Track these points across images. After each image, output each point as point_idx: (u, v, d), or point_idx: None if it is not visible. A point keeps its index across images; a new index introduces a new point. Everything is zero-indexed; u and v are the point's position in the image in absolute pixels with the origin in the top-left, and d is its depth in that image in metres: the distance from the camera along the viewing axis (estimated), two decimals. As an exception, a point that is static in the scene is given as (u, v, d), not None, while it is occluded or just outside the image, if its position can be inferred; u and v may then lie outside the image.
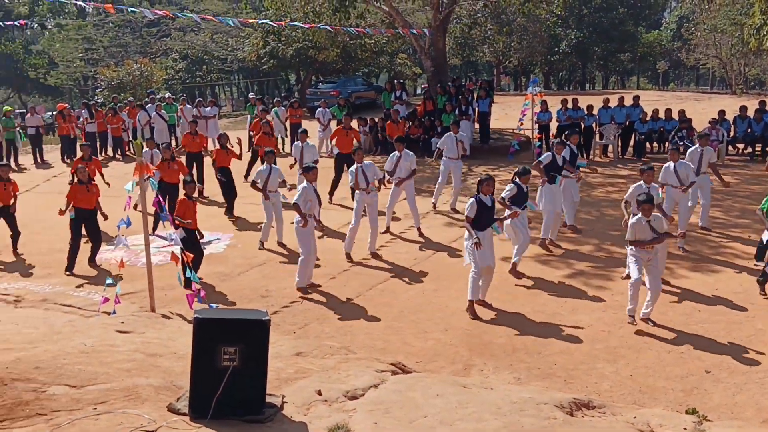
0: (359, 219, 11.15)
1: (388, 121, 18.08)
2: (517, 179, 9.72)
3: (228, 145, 14.03)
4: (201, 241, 12.11)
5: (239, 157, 13.78)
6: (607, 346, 7.77)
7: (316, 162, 13.14)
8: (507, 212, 9.47)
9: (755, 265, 9.88)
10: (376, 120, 20.12)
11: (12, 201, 11.50)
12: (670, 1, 58.51)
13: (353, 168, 11.34)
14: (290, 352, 6.31)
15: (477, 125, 20.50)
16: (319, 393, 5.19)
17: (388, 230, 12.41)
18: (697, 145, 11.61)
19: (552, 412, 4.91)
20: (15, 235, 11.68)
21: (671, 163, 10.72)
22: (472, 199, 8.84)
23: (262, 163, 12.38)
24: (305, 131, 14.30)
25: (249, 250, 11.80)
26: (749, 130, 18.03)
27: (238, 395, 4.82)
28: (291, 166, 13.39)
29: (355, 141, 15.28)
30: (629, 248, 8.35)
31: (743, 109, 18.51)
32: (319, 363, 6.11)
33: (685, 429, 4.88)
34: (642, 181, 9.52)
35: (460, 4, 24.16)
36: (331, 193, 14.59)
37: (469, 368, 7.42)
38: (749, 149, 18.50)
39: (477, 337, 8.22)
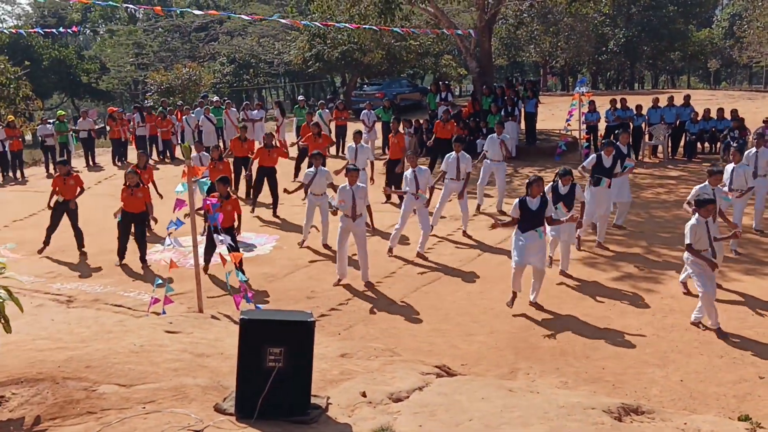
0: (405, 222, 11.20)
1: (437, 121, 18.03)
2: (558, 180, 9.67)
3: (274, 143, 14.17)
4: (248, 242, 12.35)
5: (286, 155, 13.87)
6: (657, 351, 7.61)
7: (373, 163, 13.20)
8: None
9: None
10: (421, 122, 20.08)
11: (77, 192, 11.87)
12: (722, -2, 57.20)
13: (408, 172, 11.35)
14: (335, 354, 6.33)
15: (523, 126, 20.33)
16: (364, 395, 5.20)
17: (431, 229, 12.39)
18: (753, 148, 11.33)
19: (600, 417, 4.82)
20: (77, 234, 11.97)
21: (732, 165, 10.45)
22: (517, 201, 8.80)
23: (309, 166, 12.47)
24: (360, 132, 14.33)
25: (295, 251, 11.90)
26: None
27: (284, 396, 4.85)
28: (336, 172, 13.25)
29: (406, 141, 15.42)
30: (686, 256, 8.10)
31: (799, 107, 17.97)
32: (364, 365, 6.11)
33: (739, 436, 4.76)
34: (707, 182, 9.30)
35: (506, 5, 24.01)
36: (387, 196, 14.67)
37: (515, 372, 7.35)
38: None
39: (523, 340, 8.14)
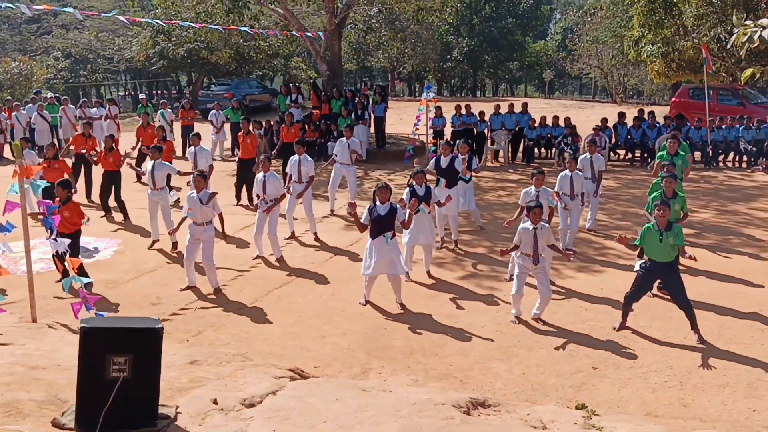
0: (262, 227, 11.04)
1: (282, 125, 17.91)
2: (412, 181, 9.93)
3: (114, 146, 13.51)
4: (88, 247, 11.66)
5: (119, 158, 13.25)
6: (501, 346, 7.96)
7: (211, 167, 12.84)
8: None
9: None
10: (272, 123, 19.88)
11: None
12: (555, 13, 60.98)
13: (259, 176, 11.12)
14: (184, 361, 6.11)
15: (373, 130, 20.64)
16: (215, 402, 5.05)
17: (293, 236, 12.28)
18: (586, 153, 12.09)
19: (449, 412, 4.96)
20: None
21: (567, 172, 11.00)
22: (366, 208, 8.92)
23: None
24: (197, 135, 13.91)
25: (138, 256, 11.37)
26: (629, 136, 18.99)
27: (129, 407, 4.61)
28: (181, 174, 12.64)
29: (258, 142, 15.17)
30: (515, 253, 8.58)
31: (622, 116, 19.50)
32: (215, 371, 5.94)
33: (576, 423, 5.05)
34: (533, 186, 9.79)
35: (355, 9, 24.26)
36: (237, 197, 14.42)
37: (368, 371, 7.42)
38: (629, 155, 19.49)
39: (375, 340, 8.23)
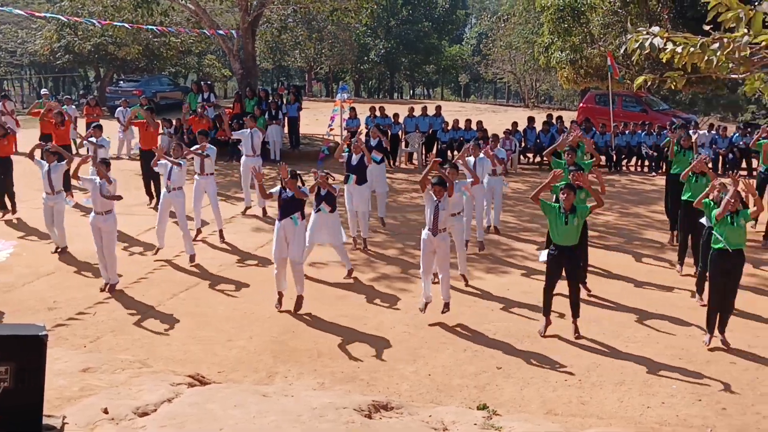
0: (165, 217, 10.81)
1: (192, 116, 17.54)
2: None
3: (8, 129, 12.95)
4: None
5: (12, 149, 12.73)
6: (408, 347, 7.97)
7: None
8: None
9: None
10: (182, 120, 19.38)
11: None
12: (471, 18, 62.06)
13: (166, 162, 10.84)
14: (76, 368, 5.84)
15: (287, 130, 20.43)
16: (106, 411, 4.83)
17: (199, 232, 12.01)
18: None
19: (351, 416, 4.92)
20: None
21: (472, 158, 11.12)
22: (278, 187, 9.01)
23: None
24: (99, 126, 13.41)
25: (36, 258, 10.86)
26: (538, 140, 19.46)
27: (10, 419, 4.35)
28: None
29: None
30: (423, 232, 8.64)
31: (531, 120, 19.98)
32: (109, 378, 5.70)
33: (476, 424, 5.09)
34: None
35: (270, 8, 23.97)
36: (149, 194, 13.98)
37: (273, 376, 7.30)
38: (538, 158, 19.97)
39: (282, 343, 8.11)
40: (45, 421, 4.56)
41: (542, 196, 8.34)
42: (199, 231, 12.01)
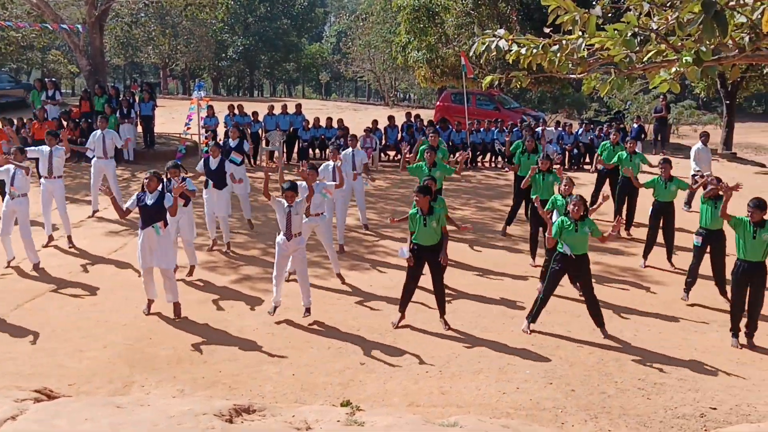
0: (9, 227, 10.10)
1: (34, 122, 16.49)
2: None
3: None
4: None
5: None
6: (272, 348, 7.89)
7: None
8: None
9: None
10: (24, 120, 18.18)
11: None
12: (330, 16, 62.27)
13: (9, 167, 10.10)
14: None
15: (140, 129, 19.66)
16: (-60, 435, 4.45)
17: (51, 239, 11.31)
18: (349, 148, 12.44)
19: (210, 422, 4.80)
20: None
21: (331, 162, 11.12)
22: (135, 195, 8.59)
23: None
24: None
25: None
26: (398, 138, 19.85)
27: None
28: None
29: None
30: (278, 237, 8.62)
31: (392, 119, 20.35)
32: (-57, 400, 5.26)
33: (339, 421, 5.11)
34: (303, 182, 9.81)
35: (119, 1, 22.96)
36: None
37: (129, 386, 6.99)
38: (398, 156, 20.35)
39: (139, 351, 7.79)
40: None
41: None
42: (51, 238, 11.35)
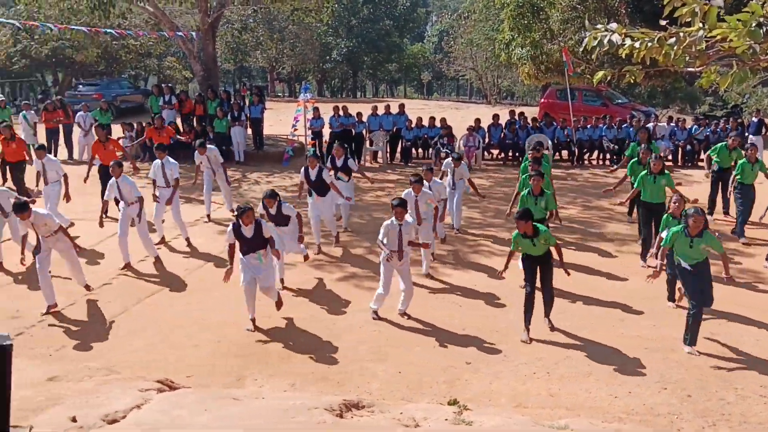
0: (126, 229, 10.61)
1: (151, 127, 17.32)
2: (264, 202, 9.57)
3: None
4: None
5: None
6: (378, 346, 7.99)
7: (65, 177, 12.13)
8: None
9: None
10: (143, 125, 19.18)
11: None
12: (432, 16, 62.29)
13: (111, 182, 10.66)
14: (41, 378, 5.75)
15: (251, 131, 20.31)
16: (74, 420, 4.77)
17: (163, 241, 11.88)
18: (450, 160, 12.34)
19: (322, 416, 4.92)
20: None
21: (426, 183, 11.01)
22: (230, 226, 8.50)
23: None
24: (42, 147, 12.83)
25: (-5, 267, 10.65)
26: (502, 137, 19.64)
27: (-25, 431, 4.26)
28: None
29: (118, 152, 14.29)
30: (382, 253, 8.61)
31: (496, 117, 20.14)
32: (76, 387, 5.62)
33: (447, 419, 5.13)
34: (411, 190, 9.89)
35: (230, 9, 23.81)
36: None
37: (243, 379, 7.26)
38: (502, 154, 20.15)
39: (251, 346, 8.07)
40: (11, 431, 4.47)
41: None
42: (163, 239, 11.91)
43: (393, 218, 8.44)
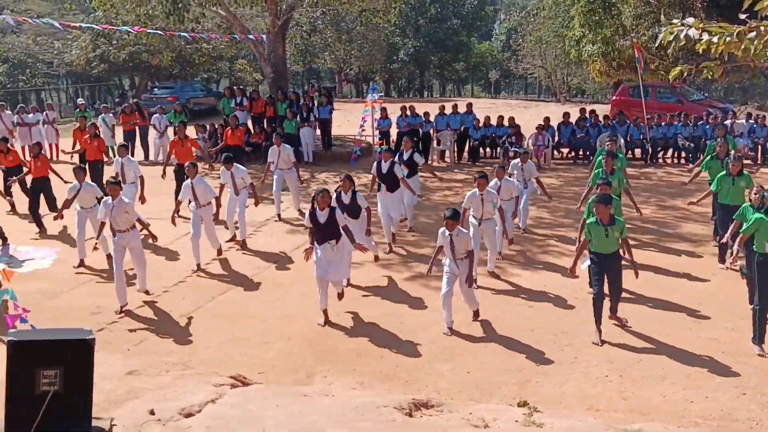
0: (198, 230, 10.87)
1: (227, 128, 17.71)
2: (339, 189, 9.87)
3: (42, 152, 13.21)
4: (25, 257, 11.34)
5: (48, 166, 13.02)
6: (446, 346, 7.98)
7: (141, 178, 12.49)
8: None
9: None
10: (216, 126, 19.64)
11: None
12: (500, 14, 61.69)
13: (186, 183, 10.96)
14: (122, 372, 5.97)
15: (319, 132, 20.54)
16: (152, 413, 4.94)
17: (234, 239, 12.15)
18: (518, 160, 12.18)
19: (391, 415, 4.95)
20: None
21: (496, 180, 10.84)
22: (308, 213, 8.74)
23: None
24: (124, 146, 13.36)
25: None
26: (572, 135, 19.30)
27: (61, 421, 4.47)
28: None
29: (194, 150, 14.72)
30: (445, 259, 8.53)
31: (566, 115, 19.79)
32: (154, 381, 5.82)
33: (517, 421, 5.09)
34: (476, 188, 9.83)
35: (299, 11, 24.13)
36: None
37: (312, 376, 7.37)
38: (572, 153, 19.80)
39: (320, 344, 8.18)
40: (94, 423, 4.67)
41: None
42: (233, 237, 12.16)
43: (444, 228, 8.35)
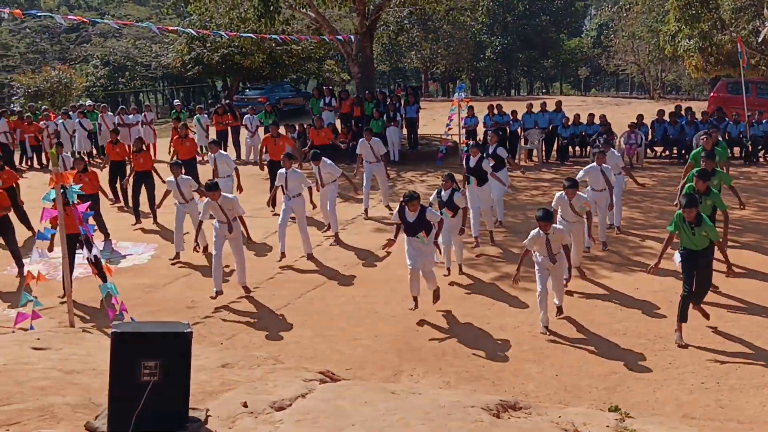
0: (286, 218, 11.18)
1: (311, 128, 18.02)
2: (441, 185, 10.02)
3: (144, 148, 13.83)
4: (125, 252, 11.89)
5: (150, 160, 13.67)
6: (533, 347, 7.88)
7: (236, 170, 12.90)
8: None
9: None
10: (305, 126, 20.00)
11: None
12: (590, 9, 60.31)
13: (281, 171, 11.29)
14: (216, 364, 6.16)
15: (405, 131, 20.62)
16: (245, 405, 5.07)
17: (329, 229, 12.50)
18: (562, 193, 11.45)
19: (479, 415, 4.93)
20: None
21: (595, 165, 10.90)
22: (398, 208, 8.88)
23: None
24: (215, 142, 13.90)
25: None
26: (666, 133, 18.67)
27: (160, 410, 4.65)
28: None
29: (288, 147, 15.06)
30: (535, 256, 8.43)
31: (660, 113, 19.18)
32: (246, 374, 5.98)
33: (608, 426, 4.97)
34: (564, 193, 9.65)
35: (387, 11, 24.27)
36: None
37: (399, 374, 7.42)
38: (666, 152, 19.17)
39: (407, 342, 8.22)
40: (190, 413, 4.84)
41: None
42: (328, 227, 12.49)
43: (539, 229, 8.23)
